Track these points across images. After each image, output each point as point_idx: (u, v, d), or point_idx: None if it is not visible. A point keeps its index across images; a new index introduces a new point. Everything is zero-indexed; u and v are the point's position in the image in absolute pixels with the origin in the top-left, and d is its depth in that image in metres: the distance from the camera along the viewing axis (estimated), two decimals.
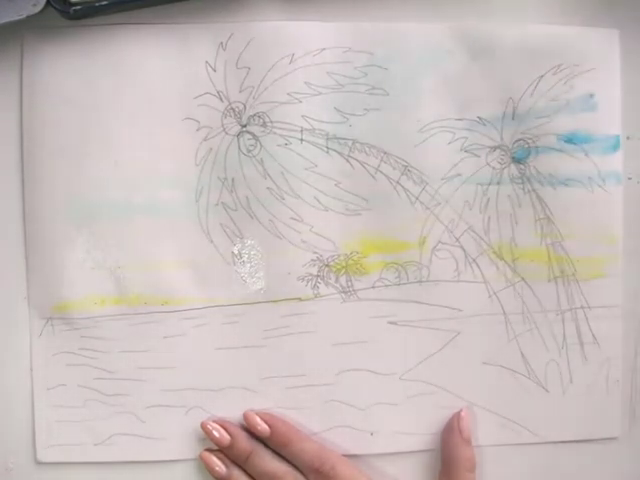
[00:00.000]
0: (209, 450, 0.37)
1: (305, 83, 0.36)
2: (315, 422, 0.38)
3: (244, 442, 0.36)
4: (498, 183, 0.37)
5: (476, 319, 0.38)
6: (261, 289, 0.37)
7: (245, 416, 0.37)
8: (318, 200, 0.37)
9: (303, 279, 0.37)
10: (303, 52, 0.36)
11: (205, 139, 0.37)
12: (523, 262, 0.38)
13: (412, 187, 0.37)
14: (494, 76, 0.37)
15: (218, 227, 0.37)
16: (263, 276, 0.37)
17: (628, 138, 0.38)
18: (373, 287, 0.37)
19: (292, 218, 0.37)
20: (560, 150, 0.37)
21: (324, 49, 0.36)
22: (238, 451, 0.36)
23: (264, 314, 0.37)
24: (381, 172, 0.37)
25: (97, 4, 0.34)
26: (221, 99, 0.37)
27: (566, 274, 0.38)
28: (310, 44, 0.36)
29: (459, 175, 0.37)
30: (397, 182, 0.37)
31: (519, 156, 0.37)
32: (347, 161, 0.37)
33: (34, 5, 0.33)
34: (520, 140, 0.37)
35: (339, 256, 0.37)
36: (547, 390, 0.38)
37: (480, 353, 0.38)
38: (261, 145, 0.37)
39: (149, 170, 0.37)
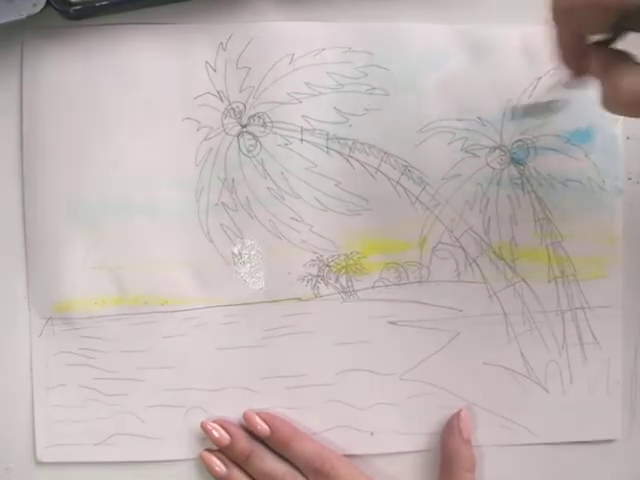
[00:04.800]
0: (209, 450, 0.37)
1: (305, 83, 0.36)
2: (315, 422, 0.38)
3: (244, 442, 0.36)
4: (498, 183, 0.37)
5: (476, 319, 0.38)
6: (261, 289, 0.37)
7: (245, 416, 0.37)
8: (318, 200, 0.37)
9: (303, 279, 0.37)
10: (303, 52, 0.36)
11: (205, 139, 0.37)
12: (523, 262, 0.38)
13: (412, 187, 0.37)
14: (494, 76, 0.37)
15: (218, 227, 0.37)
16: (263, 276, 0.37)
17: (628, 138, 0.38)
18: (373, 287, 0.37)
19: (292, 218, 0.37)
20: (560, 150, 0.37)
21: (324, 49, 0.36)
22: (238, 451, 0.36)
23: (264, 314, 0.37)
24: (381, 172, 0.37)
25: (97, 4, 0.34)
26: (221, 99, 0.37)
27: (566, 274, 0.38)
28: (310, 44, 0.36)
29: (459, 175, 0.37)
30: (397, 182, 0.37)
31: (519, 156, 0.37)
32: (347, 161, 0.37)
33: (34, 5, 0.33)
34: (519, 140, 0.37)
35: (339, 256, 0.37)
36: (547, 390, 0.38)
37: (480, 353, 0.38)
38: (261, 145, 0.37)
39: (149, 170, 0.37)
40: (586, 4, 0.25)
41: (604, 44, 0.27)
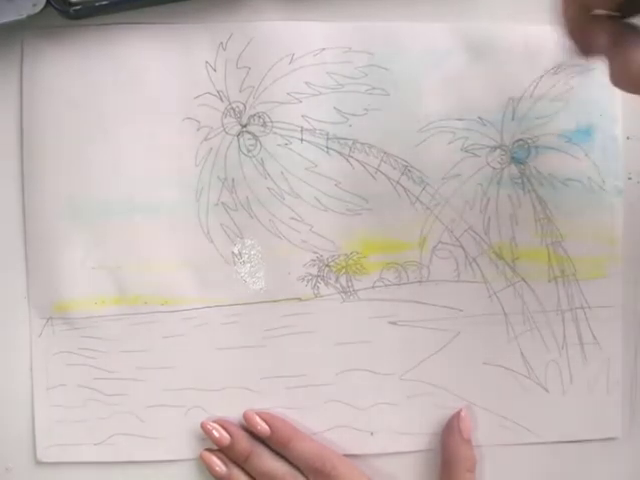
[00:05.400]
0: (209, 450, 0.37)
1: (305, 83, 0.36)
2: (315, 422, 0.38)
3: (244, 442, 0.36)
4: (498, 183, 0.37)
5: (476, 319, 0.38)
6: (261, 289, 0.37)
7: (245, 416, 0.37)
8: (318, 200, 0.37)
9: (303, 279, 0.37)
10: (303, 52, 0.36)
11: (205, 139, 0.37)
12: (523, 262, 0.38)
13: (412, 187, 0.37)
14: (494, 76, 0.37)
15: (218, 227, 0.37)
16: (263, 276, 0.37)
17: (628, 138, 0.38)
18: (373, 287, 0.37)
19: (292, 218, 0.37)
20: (560, 150, 0.37)
21: (324, 49, 0.36)
22: (238, 451, 0.36)
23: (264, 314, 0.37)
24: (381, 172, 0.37)
25: (97, 4, 0.34)
26: (221, 99, 0.37)
27: (566, 274, 0.38)
28: (310, 44, 0.36)
29: (459, 175, 0.37)
30: (397, 182, 0.37)
31: (519, 156, 0.37)
32: (347, 161, 0.37)
33: (34, 5, 0.33)
34: (520, 140, 0.37)
35: (339, 256, 0.37)
36: (547, 390, 0.38)
37: (480, 353, 0.38)
38: (261, 145, 0.37)
39: (149, 170, 0.37)
40: None
41: (613, 18, 0.25)
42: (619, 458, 0.39)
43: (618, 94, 0.37)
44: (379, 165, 0.37)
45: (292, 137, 0.37)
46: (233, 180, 0.37)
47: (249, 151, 0.37)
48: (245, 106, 0.37)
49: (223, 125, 0.37)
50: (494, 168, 0.37)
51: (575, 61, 0.29)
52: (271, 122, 0.37)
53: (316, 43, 0.36)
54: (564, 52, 0.29)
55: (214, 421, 0.37)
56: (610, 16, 0.26)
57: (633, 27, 0.25)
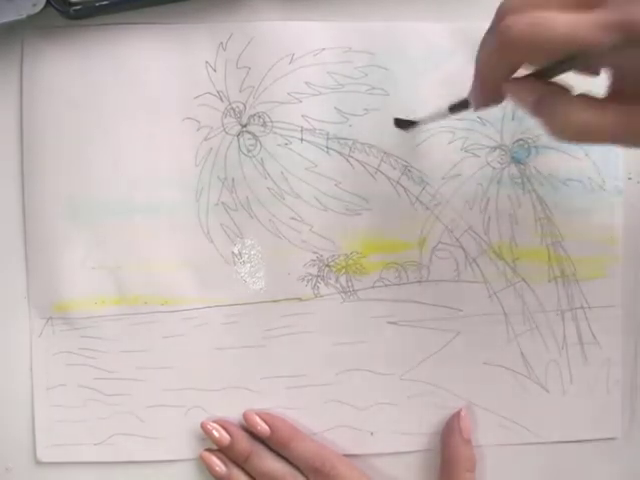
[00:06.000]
0: (209, 450, 0.37)
1: (305, 83, 0.36)
2: (315, 422, 0.38)
3: (244, 442, 0.36)
4: (498, 183, 0.37)
5: (476, 319, 0.38)
6: (261, 289, 0.37)
7: (245, 416, 0.37)
8: (318, 200, 0.37)
9: (303, 279, 0.37)
10: (303, 52, 0.36)
11: (205, 139, 0.37)
12: (523, 262, 0.38)
13: (412, 187, 0.37)
14: None
15: (218, 227, 0.37)
16: (263, 276, 0.37)
17: None
18: (373, 287, 0.37)
19: (292, 218, 0.37)
20: (560, 150, 0.37)
21: (324, 49, 0.36)
22: (238, 451, 0.36)
23: (264, 314, 0.37)
24: (381, 172, 0.37)
25: (97, 4, 0.34)
26: (221, 99, 0.37)
27: (566, 274, 0.38)
28: (310, 44, 0.36)
29: (459, 175, 0.37)
30: (397, 182, 0.37)
31: (519, 156, 0.37)
32: (347, 161, 0.37)
33: (34, 5, 0.33)
34: (520, 140, 0.37)
35: (339, 256, 0.37)
36: (547, 390, 0.38)
37: (480, 353, 0.38)
38: (261, 145, 0.37)
39: (149, 170, 0.37)
40: (535, 40, 0.24)
41: (536, 76, 0.27)
42: (619, 458, 0.39)
43: None
44: (379, 165, 0.37)
45: (292, 137, 0.37)
46: (233, 180, 0.37)
47: (249, 151, 0.37)
48: (245, 106, 0.37)
49: (223, 125, 0.37)
50: (494, 168, 0.37)
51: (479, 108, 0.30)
52: (271, 122, 0.37)
53: (316, 43, 0.36)
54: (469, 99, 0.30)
55: (214, 421, 0.37)
56: (532, 75, 0.27)
57: (560, 86, 0.26)
